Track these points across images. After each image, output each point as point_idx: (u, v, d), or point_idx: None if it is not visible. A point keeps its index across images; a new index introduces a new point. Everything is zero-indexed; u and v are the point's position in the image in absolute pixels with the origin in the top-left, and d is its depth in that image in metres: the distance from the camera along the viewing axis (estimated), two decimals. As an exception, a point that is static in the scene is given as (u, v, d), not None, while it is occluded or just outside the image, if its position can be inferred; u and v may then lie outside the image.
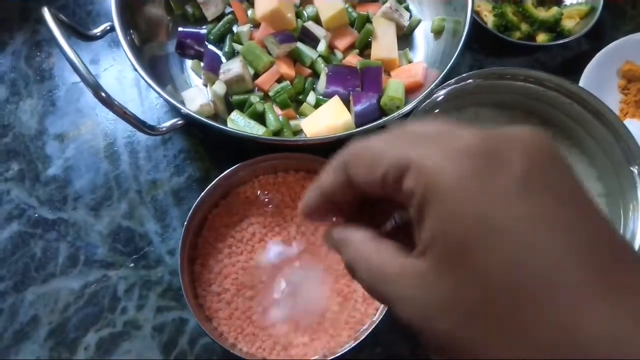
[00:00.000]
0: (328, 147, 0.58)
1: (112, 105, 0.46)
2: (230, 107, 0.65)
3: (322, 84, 0.67)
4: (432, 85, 0.57)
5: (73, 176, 0.64)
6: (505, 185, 0.20)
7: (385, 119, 0.56)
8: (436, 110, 0.61)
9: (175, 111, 0.55)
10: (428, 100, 0.58)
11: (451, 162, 0.20)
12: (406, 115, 0.57)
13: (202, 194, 0.53)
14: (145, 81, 0.54)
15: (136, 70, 0.55)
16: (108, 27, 0.58)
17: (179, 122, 0.54)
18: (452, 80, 0.58)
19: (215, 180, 0.54)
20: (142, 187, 0.64)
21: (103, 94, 0.46)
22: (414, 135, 0.23)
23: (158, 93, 0.54)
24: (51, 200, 0.63)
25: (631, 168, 0.55)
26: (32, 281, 0.59)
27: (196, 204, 0.53)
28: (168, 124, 0.54)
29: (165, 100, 0.54)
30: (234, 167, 0.55)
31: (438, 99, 0.59)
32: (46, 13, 0.49)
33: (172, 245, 0.61)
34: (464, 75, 0.58)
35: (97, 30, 0.58)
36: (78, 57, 0.46)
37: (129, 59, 0.55)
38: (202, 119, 0.53)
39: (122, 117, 0.48)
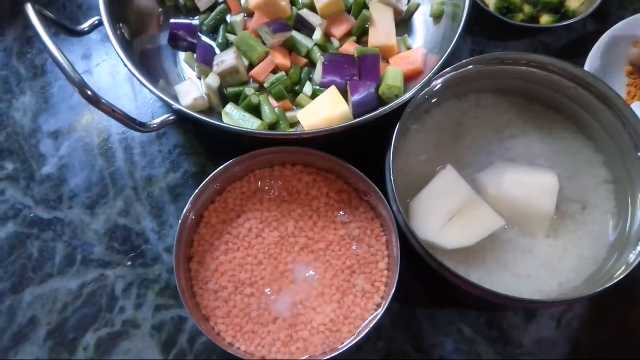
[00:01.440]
0: (324, 139, 0.57)
1: (99, 104, 0.45)
2: (224, 99, 0.64)
3: (318, 73, 0.65)
4: (431, 73, 0.55)
5: (68, 174, 0.63)
6: None
7: (383, 108, 0.54)
8: (434, 100, 0.59)
9: (167, 106, 0.54)
10: (427, 89, 0.56)
11: None
12: (405, 104, 0.55)
13: (197, 190, 0.52)
14: (136, 77, 0.53)
15: (125, 64, 0.53)
16: (96, 22, 0.57)
17: (171, 117, 0.53)
18: (452, 67, 0.56)
19: (209, 177, 0.53)
20: (138, 183, 0.63)
21: (89, 92, 0.45)
22: None
23: (148, 89, 0.52)
24: (46, 200, 0.62)
25: (639, 154, 0.53)
26: (30, 282, 0.58)
27: (191, 201, 0.52)
28: (159, 120, 0.52)
29: (156, 96, 0.52)
30: (228, 162, 0.54)
31: (437, 87, 0.57)
32: (29, 9, 0.47)
33: (169, 243, 0.60)
34: (463, 61, 0.56)
35: (84, 26, 0.56)
36: (62, 55, 0.45)
37: (118, 55, 0.54)
38: (194, 114, 0.52)
39: (110, 114, 0.47)
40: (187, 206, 0.51)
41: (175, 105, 0.52)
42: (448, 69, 0.56)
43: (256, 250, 0.54)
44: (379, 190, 0.52)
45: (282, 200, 0.57)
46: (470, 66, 0.57)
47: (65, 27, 0.55)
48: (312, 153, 0.55)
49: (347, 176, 0.56)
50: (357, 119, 0.54)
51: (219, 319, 0.52)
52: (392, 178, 0.51)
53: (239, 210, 0.57)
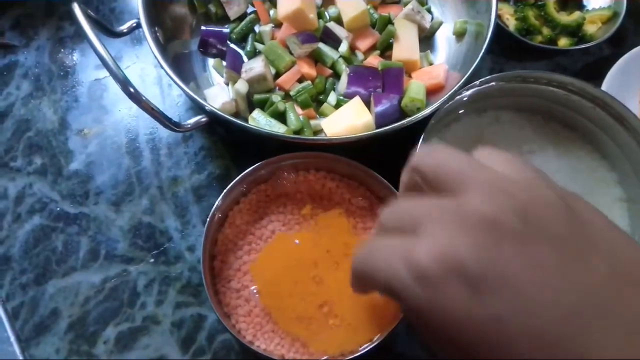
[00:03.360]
0: (349, 146, 0.58)
1: (140, 101, 0.47)
2: (251, 105, 0.66)
3: (343, 84, 0.67)
4: (456, 87, 0.57)
5: (95, 171, 0.65)
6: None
7: (408, 119, 0.56)
8: (455, 114, 0.61)
9: (198, 108, 0.56)
10: (450, 103, 0.58)
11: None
12: (428, 117, 0.57)
13: (224, 191, 0.54)
14: (171, 77, 0.55)
15: (162, 66, 0.55)
16: (134, 24, 0.59)
17: (203, 119, 0.54)
18: (475, 83, 0.58)
19: (237, 178, 0.55)
20: (163, 183, 0.64)
21: (132, 90, 0.47)
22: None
23: (183, 90, 0.54)
24: (73, 195, 0.63)
25: (654, 174, 0.55)
26: (53, 274, 0.59)
27: (218, 202, 0.54)
28: (192, 120, 0.54)
29: (189, 97, 0.54)
30: (256, 165, 0.56)
31: (458, 102, 0.59)
32: (76, 8, 0.49)
33: (192, 242, 0.61)
34: (487, 77, 0.58)
35: (123, 27, 0.58)
36: (108, 53, 0.47)
37: (154, 55, 0.56)
38: (227, 116, 0.54)
39: (149, 112, 0.48)
40: (216, 203, 0.53)
41: (209, 107, 0.54)
42: (471, 84, 0.58)
43: (282, 253, 0.55)
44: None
45: (305, 204, 0.58)
46: (493, 83, 0.59)
47: (106, 27, 0.57)
48: (337, 159, 0.57)
49: (369, 183, 0.58)
50: (382, 128, 0.56)
51: (240, 317, 0.53)
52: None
53: (263, 212, 0.58)
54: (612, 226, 0.30)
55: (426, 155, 0.32)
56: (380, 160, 0.57)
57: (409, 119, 0.57)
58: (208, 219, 0.53)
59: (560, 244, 0.26)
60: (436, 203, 0.29)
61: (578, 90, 0.59)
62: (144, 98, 0.47)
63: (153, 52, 0.56)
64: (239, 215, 0.57)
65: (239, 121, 0.54)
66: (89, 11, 0.52)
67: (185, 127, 0.53)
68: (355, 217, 0.57)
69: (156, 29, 0.62)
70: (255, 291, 0.54)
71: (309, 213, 0.58)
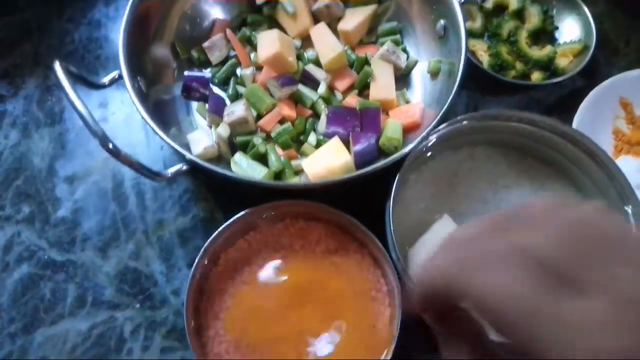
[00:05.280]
0: (329, 189, 0.60)
1: (119, 156, 0.48)
2: (234, 148, 0.68)
3: (322, 124, 0.69)
4: (428, 129, 0.59)
5: (82, 218, 0.66)
6: None
7: (384, 161, 0.58)
8: (431, 152, 0.62)
9: (180, 155, 0.57)
10: (424, 142, 0.59)
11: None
12: (405, 156, 0.58)
13: (206, 243, 0.55)
14: (152, 128, 0.56)
15: (143, 117, 0.57)
16: (116, 76, 0.61)
17: (184, 167, 0.56)
18: (447, 123, 0.60)
19: (219, 229, 0.56)
20: (149, 227, 0.65)
21: (110, 145, 0.48)
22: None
23: (164, 140, 0.56)
24: (60, 242, 0.65)
25: (625, 208, 0.56)
26: (41, 323, 0.60)
27: (201, 253, 0.55)
28: (173, 169, 0.56)
29: (171, 146, 0.56)
30: (236, 217, 0.57)
31: (433, 141, 0.60)
32: (57, 66, 0.51)
33: (177, 285, 0.62)
34: (458, 118, 0.60)
35: (105, 79, 0.60)
36: (87, 110, 0.48)
37: (136, 108, 0.58)
38: (205, 165, 0.55)
39: (128, 165, 0.50)
40: (197, 258, 0.54)
41: (188, 156, 0.56)
42: (444, 124, 0.59)
43: (264, 300, 0.56)
44: (379, 242, 0.55)
45: (291, 250, 0.59)
46: (465, 122, 0.61)
47: (88, 81, 0.59)
48: (318, 207, 0.58)
49: (352, 229, 0.59)
50: (359, 172, 0.57)
51: (223, 363, 0.54)
52: (392, 229, 0.54)
53: (248, 260, 0.59)
54: None
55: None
56: (359, 197, 0.59)
57: (386, 160, 0.58)
58: (190, 276, 0.53)
59: None
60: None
61: (549, 127, 0.60)
62: (122, 153, 0.49)
63: (135, 104, 0.58)
64: (223, 263, 0.58)
65: (217, 169, 0.55)
66: (70, 67, 0.54)
67: (166, 177, 0.54)
68: (337, 262, 0.58)
69: (138, 78, 0.64)
70: (234, 338, 0.54)
71: (295, 260, 0.58)
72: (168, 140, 0.56)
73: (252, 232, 0.60)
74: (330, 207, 0.57)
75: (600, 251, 0.27)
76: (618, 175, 0.57)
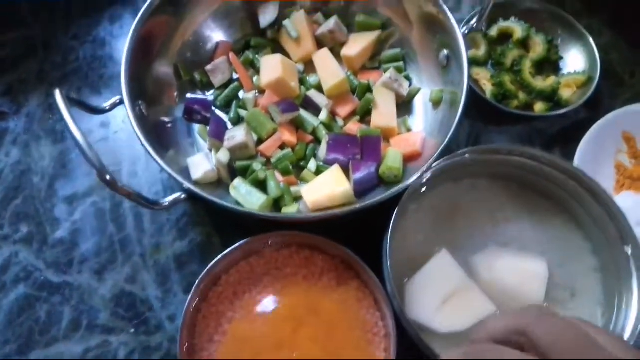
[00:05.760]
0: (326, 222, 0.59)
1: (116, 188, 0.48)
2: (233, 172, 0.67)
3: (323, 151, 0.68)
4: (430, 161, 0.58)
5: (80, 239, 0.66)
6: None
7: (383, 195, 0.57)
8: (431, 183, 0.62)
9: (178, 183, 0.57)
10: (425, 173, 0.59)
11: None
12: (405, 189, 0.58)
13: (203, 273, 0.55)
14: (152, 157, 0.57)
15: (142, 144, 0.57)
16: (117, 101, 0.61)
17: (182, 196, 0.56)
18: (448, 157, 0.59)
19: (224, 252, 0.56)
20: (146, 250, 0.65)
21: (108, 177, 0.48)
22: None
23: (163, 168, 0.56)
24: (57, 263, 0.65)
25: (625, 248, 0.56)
26: (36, 345, 0.60)
27: (197, 283, 0.55)
28: (171, 198, 0.55)
29: (169, 175, 0.56)
30: (240, 242, 0.57)
31: (434, 172, 0.60)
32: (58, 95, 0.51)
33: (172, 311, 0.62)
34: (459, 151, 0.59)
35: (106, 105, 0.60)
36: (86, 141, 0.49)
37: (136, 134, 0.58)
38: (203, 194, 0.55)
39: (127, 197, 0.50)
40: (193, 288, 0.54)
41: (186, 185, 0.56)
42: (445, 157, 0.59)
43: (261, 328, 0.55)
44: (380, 284, 0.54)
45: (293, 281, 0.58)
46: (467, 155, 0.60)
47: (89, 106, 0.59)
48: (321, 240, 0.58)
49: (355, 267, 0.58)
50: (357, 206, 0.57)
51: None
52: (389, 263, 0.54)
53: (245, 288, 0.58)
54: None
55: (539, 324, 0.34)
56: (358, 226, 0.59)
57: (385, 194, 0.58)
58: (184, 310, 0.53)
59: None
60: None
61: (550, 163, 0.60)
62: (119, 185, 0.49)
63: (135, 131, 0.58)
64: (218, 292, 0.58)
65: (216, 199, 0.55)
66: (72, 94, 0.55)
67: (163, 206, 0.54)
68: (333, 293, 0.58)
69: (140, 102, 0.64)
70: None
71: (290, 290, 0.58)
72: (167, 168, 0.56)
73: (255, 255, 0.60)
74: (333, 242, 0.56)
75: None
76: (618, 215, 0.56)
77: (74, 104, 0.55)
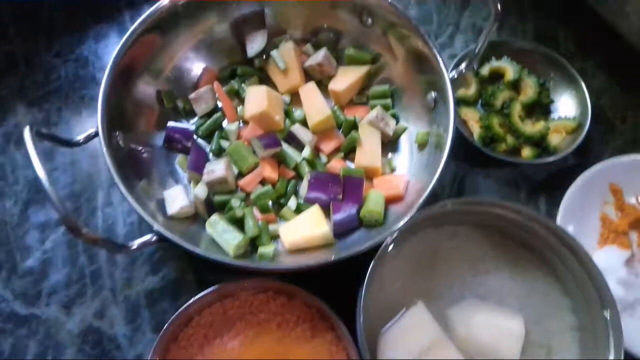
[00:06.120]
0: (302, 271, 0.58)
1: (81, 235, 0.47)
2: (211, 207, 0.66)
3: (304, 188, 0.67)
4: (412, 211, 0.57)
5: (50, 269, 0.64)
6: None
7: (362, 247, 0.56)
8: (412, 229, 0.61)
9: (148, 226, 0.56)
10: (406, 219, 0.58)
11: None
12: (383, 240, 0.56)
13: (174, 315, 0.53)
14: (125, 197, 0.55)
15: (117, 183, 0.56)
16: (93, 133, 0.59)
17: (153, 239, 0.54)
18: (430, 206, 0.58)
19: (188, 302, 0.54)
20: (116, 285, 0.64)
21: (73, 224, 0.46)
22: None
23: (135, 209, 0.54)
24: (25, 294, 0.63)
25: (604, 311, 0.55)
26: (-3, 380, 0.59)
27: (167, 325, 0.53)
28: (140, 241, 0.54)
29: (141, 216, 0.54)
30: (215, 286, 0.55)
31: (415, 220, 0.59)
32: (27, 134, 0.50)
33: (140, 350, 0.61)
34: (440, 203, 0.58)
35: (80, 137, 0.59)
36: (54, 190, 0.47)
37: (110, 172, 0.56)
38: (173, 239, 0.54)
39: (91, 244, 0.48)
40: (159, 335, 0.53)
41: (156, 227, 0.54)
42: (427, 207, 0.58)
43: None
44: (352, 341, 0.53)
45: (267, 328, 0.57)
46: (448, 205, 0.59)
47: (62, 140, 0.57)
48: (297, 290, 0.56)
49: (330, 320, 0.57)
50: (334, 259, 0.56)
51: None
52: (361, 319, 0.52)
53: (216, 333, 0.57)
54: None
55: None
56: (335, 271, 0.57)
57: (364, 246, 0.56)
58: (152, 350, 0.52)
59: None
60: None
61: (532, 218, 0.59)
62: (84, 231, 0.47)
63: (109, 168, 0.56)
64: (186, 336, 0.56)
65: (185, 244, 0.54)
66: (44, 130, 0.53)
67: (131, 250, 0.53)
68: (305, 342, 0.56)
69: (117, 133, 0.62)
70: None
71: (261, 337, 0.57)
72: (139, 209, 0.55)
73: (230, 298, 0.58)
74: (309, 293, 0.55)
75: None
76: (598, 277, 0.55)
77: (45, 139, 0.54)
